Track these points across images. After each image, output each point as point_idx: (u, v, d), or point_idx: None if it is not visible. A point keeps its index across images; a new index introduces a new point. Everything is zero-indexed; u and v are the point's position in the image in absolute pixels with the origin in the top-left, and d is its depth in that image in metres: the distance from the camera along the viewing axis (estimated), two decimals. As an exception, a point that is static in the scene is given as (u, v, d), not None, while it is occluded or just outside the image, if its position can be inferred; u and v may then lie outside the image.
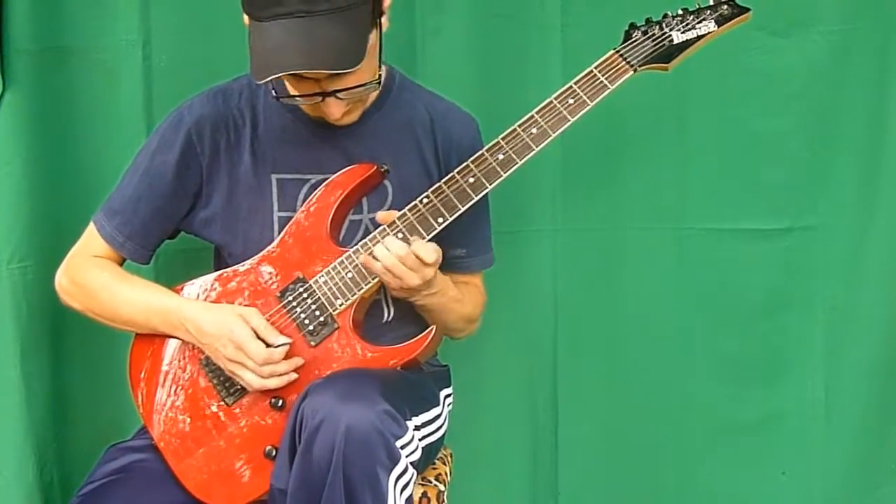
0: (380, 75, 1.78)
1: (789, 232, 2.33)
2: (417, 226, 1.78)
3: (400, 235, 1.77)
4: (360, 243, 1.80)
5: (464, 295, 1.96)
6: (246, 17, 1.70)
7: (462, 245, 1.98)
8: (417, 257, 1.74)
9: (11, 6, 2.06)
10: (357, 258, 1.78)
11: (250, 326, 1.74)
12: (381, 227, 1.79)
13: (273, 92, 1.77)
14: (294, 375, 1.75)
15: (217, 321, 1.75)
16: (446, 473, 2.00)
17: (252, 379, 1.74)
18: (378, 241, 1.77)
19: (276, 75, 1.64)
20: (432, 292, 1.83)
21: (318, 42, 1.63)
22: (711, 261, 2.34)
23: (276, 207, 1.86)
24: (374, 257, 1.75)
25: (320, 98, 1.72)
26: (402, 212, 1.79)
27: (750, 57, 2.27)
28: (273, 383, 1.74)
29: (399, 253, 1.74)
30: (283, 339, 1.75)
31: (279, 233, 1.84)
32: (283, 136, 1.87)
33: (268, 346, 1.73)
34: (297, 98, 1.75)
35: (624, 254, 2.36)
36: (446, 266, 1.99)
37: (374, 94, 1.88)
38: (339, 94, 1.71)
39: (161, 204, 1.86)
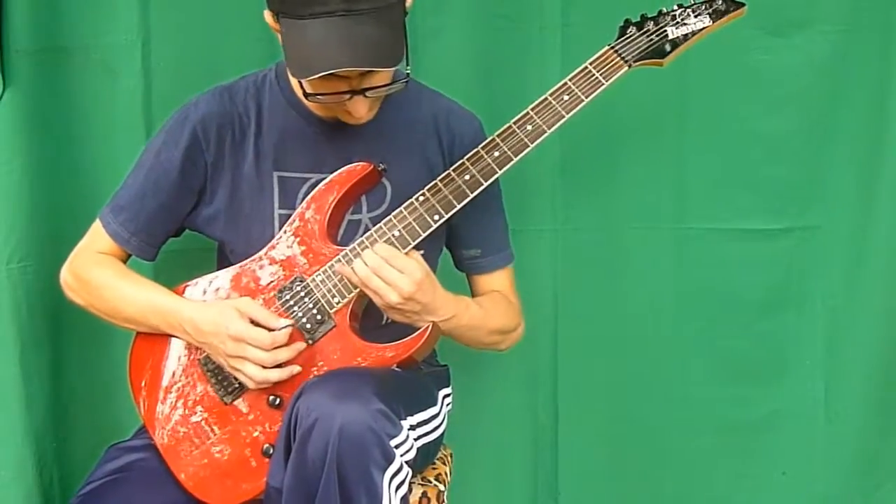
0: (408, 73, 1.76)
1: (789, 232, 2.33)
2: (414, 224, 1.78)
3: (396, 232, 1.78)
4: (351, 246, 1.80)
5: (488, 309, 1.93)
6: (269, 15, 1.70)
7: (476, 245, 1.98)
8: (387, 262, 1.73)
9: (11, 6, 2.07)
10: (336, 265, 1.78)
11: (248, 317, 1.74)
12: (377, 226, 1.79)
13: (302, 90, 1.75)
14: (297, 368, 1.75)
15: (213, 319, 1.75)
16: (446, 473, 2.00)
17: (254, 372, 1.73)
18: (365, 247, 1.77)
19: (323, 73, 1.62)
20: (444, 318, 1.80)
21: (361, 40, 1.63)
22: (711, 261, 2.34)
23: (276, 205, 1.86)
24: (352, 269, 1.75)
25: (348, 97, 1.71)
26: (398, 210, 1.79)
27: (750, 57, 2.26)
28: (275, 375, 1.73)
29: (372, 263, 1.73)
30: (285, 322, 1.75)
31: (279, 230, 1.85)
32: (287, 134, 1.87)
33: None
34: (321, 97, 1.73)
35: (624, 254, 2.35)
36: (463, 268, 2.00)
37: None
38: (367, 93, 1.71)
39: (166, 200, 1.86)
